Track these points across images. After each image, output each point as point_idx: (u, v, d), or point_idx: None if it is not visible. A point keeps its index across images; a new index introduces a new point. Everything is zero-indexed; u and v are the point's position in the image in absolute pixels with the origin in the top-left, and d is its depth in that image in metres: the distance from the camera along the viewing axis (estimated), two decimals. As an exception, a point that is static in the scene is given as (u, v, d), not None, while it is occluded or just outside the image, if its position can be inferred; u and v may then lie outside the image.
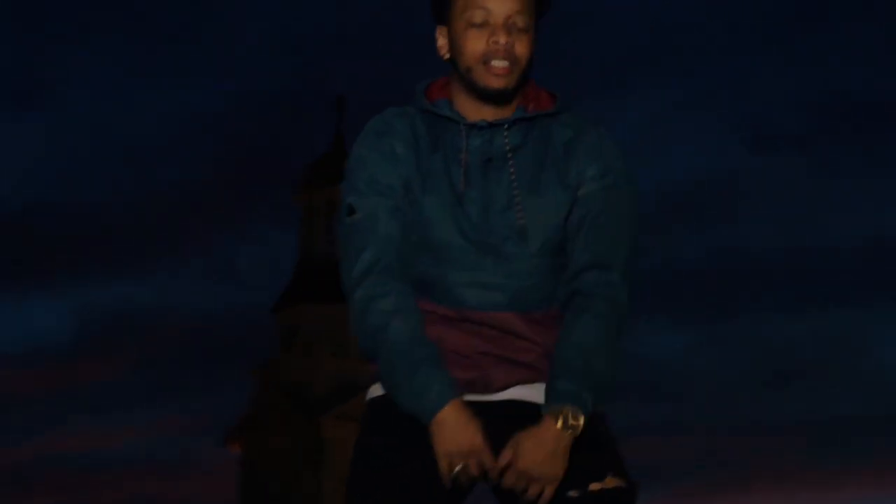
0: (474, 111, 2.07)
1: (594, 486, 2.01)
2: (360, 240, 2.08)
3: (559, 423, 1.98)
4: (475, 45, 2.02)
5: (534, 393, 2.05)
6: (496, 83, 2.03)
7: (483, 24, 2.02)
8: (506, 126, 2.07)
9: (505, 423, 2.02)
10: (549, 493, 1.99)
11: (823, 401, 44.53)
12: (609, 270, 2.07)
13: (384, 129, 2.10)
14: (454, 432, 1.98)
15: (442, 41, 2.09)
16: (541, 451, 1.97)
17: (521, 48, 2.03)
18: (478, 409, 2.01)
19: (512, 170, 2.06)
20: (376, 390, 2.11)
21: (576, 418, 1.99)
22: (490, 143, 2.06)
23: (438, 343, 2.03)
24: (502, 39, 2.01)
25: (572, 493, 2.01)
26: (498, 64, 2.02)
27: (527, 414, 2.02)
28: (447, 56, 2.09)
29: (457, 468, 1.99)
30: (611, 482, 2.02)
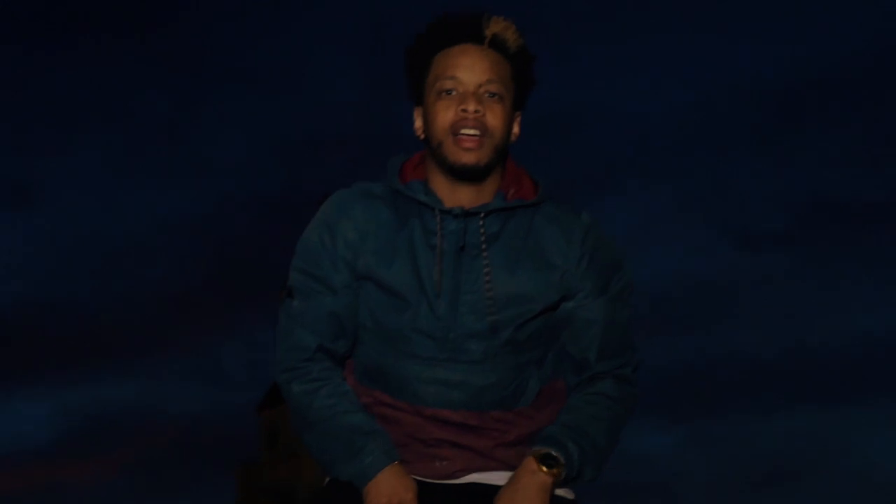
0: (449, 193, 1.95)
1: None
2: (293, 324, 2.00)
3: (538, 464, 1.91)
4: (444, 115, 1.91)
5: (495, 477, 1.96)
6: (466, 158, 1.90)
7: (452, 94, 1.92)
8: (482, 214, 1.94)
9: (464, 501, 1.96)
10: None
11: (812, 501, 44.24)
12: (624, 367, 2.00)
13: (338, 214, 2.00)
14: (388, 485, 1.91)
15: (418, 122, 1.97)
16: (518, 493, 1.91)
17: (494, 118, 1.91)
18: (434, 490, 1.95)
19: (486, 261, 1.94)
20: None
21: (557, 462, 1.91)
22: (464, 230, 1.94)
23: (395, 425, 1.96)
24: (471, 107, 1.90)
25: None
26: (467, 132, 1.90)
27: (488, 494, 1.94)
28: (422, 136, 1.97)
29: None
30: None
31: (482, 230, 1.95)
